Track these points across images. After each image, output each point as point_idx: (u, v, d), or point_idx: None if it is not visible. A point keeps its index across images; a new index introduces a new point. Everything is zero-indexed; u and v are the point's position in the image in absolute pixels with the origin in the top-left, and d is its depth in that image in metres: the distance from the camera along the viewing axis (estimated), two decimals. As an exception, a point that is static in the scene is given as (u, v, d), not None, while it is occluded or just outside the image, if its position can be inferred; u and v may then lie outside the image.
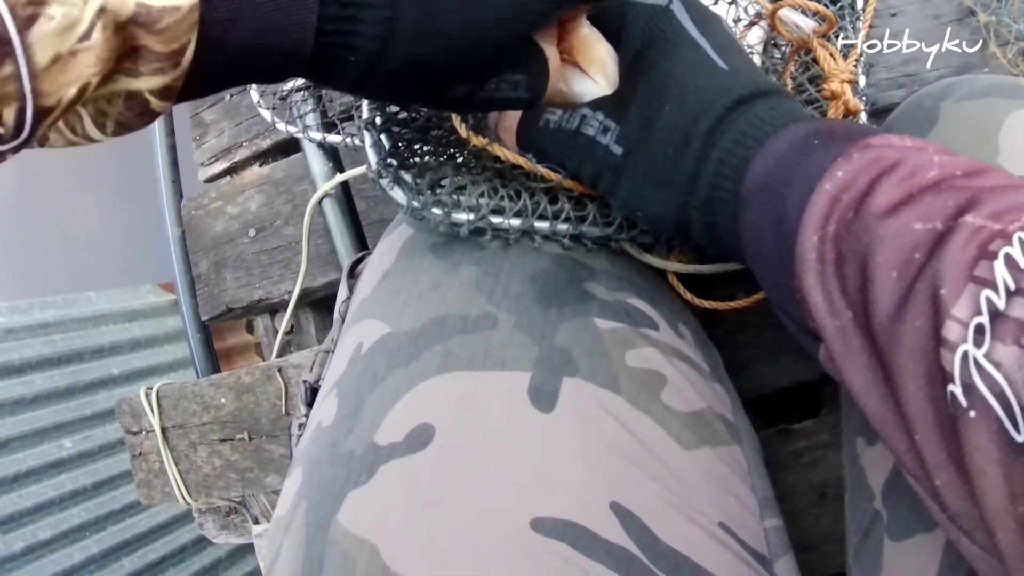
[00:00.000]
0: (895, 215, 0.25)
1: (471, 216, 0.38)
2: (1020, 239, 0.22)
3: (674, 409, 0.36)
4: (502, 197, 0.38)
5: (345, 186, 0.72)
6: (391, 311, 0.36)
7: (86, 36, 0.21)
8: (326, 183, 0.70)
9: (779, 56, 0.47)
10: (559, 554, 0.29)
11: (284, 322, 0.77)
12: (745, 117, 0.32)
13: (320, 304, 0.80)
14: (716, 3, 0.47)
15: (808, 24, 0.41)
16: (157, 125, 0.90)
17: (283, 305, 0.77)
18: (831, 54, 0.40)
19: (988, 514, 0.22)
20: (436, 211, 0.38)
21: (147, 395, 0.78)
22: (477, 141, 0.41)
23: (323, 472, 0.32)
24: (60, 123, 0.25)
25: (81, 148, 0.27)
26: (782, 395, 0.54)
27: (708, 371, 0.41)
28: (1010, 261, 0.22)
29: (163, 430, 0.78)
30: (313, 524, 0.30)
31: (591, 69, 0.36)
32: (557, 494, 0.30)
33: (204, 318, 0.85)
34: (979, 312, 0.22)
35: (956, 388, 0.22)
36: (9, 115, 0.21)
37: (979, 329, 0.22)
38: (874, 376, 0.26)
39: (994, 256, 0.22)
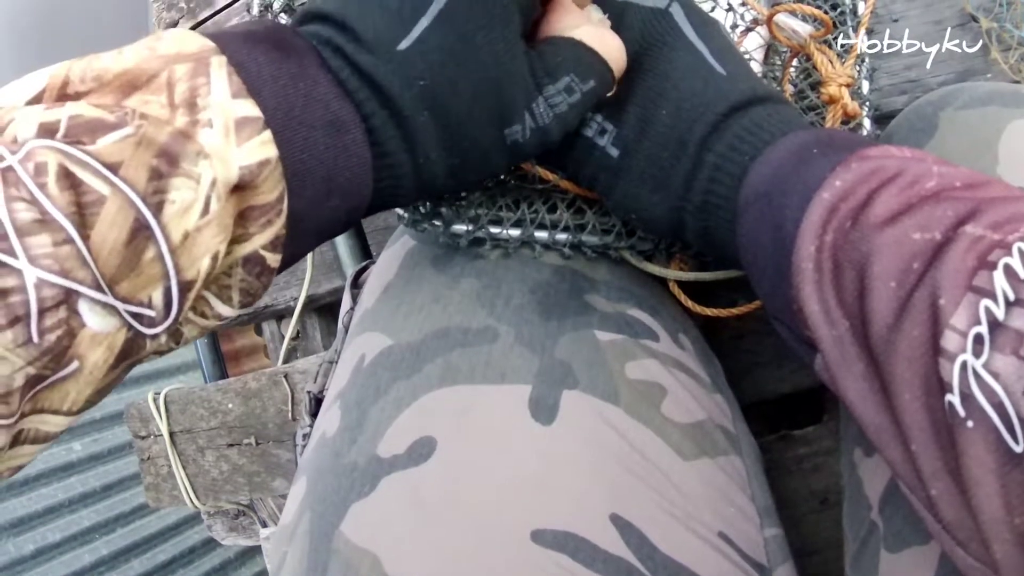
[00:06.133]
0: (894, 224, 0.25)
1: (470, 227, 0.38)
2: (1020, 249, 0.22)
3: (674, 420, 0.36)
4: (500, 207, 0.38)
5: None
6: (393, 323, 0.37)
7: (205, 211, 0.24)
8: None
9: (779, 62, 0.47)
10: (559, 565, 0.29)
11: (290, 328, 0.77)
12: (741, 123, 0.32)
13: (325, 310, 0.80)
14: (713, 9, 0.47)
15: (805, 29, 0.41)
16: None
17: (289, 311, 0.77)
18: (828, 58, 0.40)
19: (984, 525, 0.22)
20: (436, 222, 0.38)
21: (155, 400, 0.78)
22: None
23: (327, 483, 0.32)
24: (190, 313, 0.27)
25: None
26: (784, 401, 0.54)
27: (708, 382, 0.41)
28: (1009, 271, 0.22)
29: (171, 435, 0.78)
30: (317, 534, 0.31)
31: None
32: (557, 505, 0.31)
33: (211, 324, 0.85)
34: (978, 322, 0.22)
35: (954, 398, 0.22)
36: (157, 296, 0.24)
37: (978, 339, 0.22)
38: (870, 386, 0.26)
39: (993, 266, 0.22)
